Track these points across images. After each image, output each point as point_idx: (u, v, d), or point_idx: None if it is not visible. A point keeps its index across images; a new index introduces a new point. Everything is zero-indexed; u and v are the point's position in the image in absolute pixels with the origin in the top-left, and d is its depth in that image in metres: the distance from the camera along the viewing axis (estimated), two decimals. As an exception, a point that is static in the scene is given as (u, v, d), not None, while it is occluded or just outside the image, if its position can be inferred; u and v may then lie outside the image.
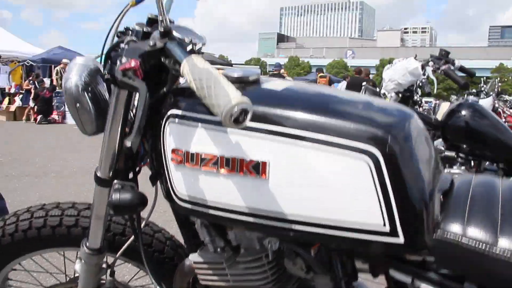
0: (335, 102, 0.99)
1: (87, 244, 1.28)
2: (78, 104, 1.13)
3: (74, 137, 8.67)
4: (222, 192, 0.94)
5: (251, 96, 0.84)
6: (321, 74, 12.18)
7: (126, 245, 1.29)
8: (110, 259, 1.37)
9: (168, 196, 1.04)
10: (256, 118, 0.88)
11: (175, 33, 0.98)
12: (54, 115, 11.94)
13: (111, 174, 1.12)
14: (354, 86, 10.34)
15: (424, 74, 2.45)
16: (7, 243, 1.36)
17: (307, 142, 0.87)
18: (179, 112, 0.99)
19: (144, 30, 1.07)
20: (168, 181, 1.02)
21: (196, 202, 0.98)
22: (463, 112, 2.33)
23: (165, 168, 1.02)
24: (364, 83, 9.97)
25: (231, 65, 1.65)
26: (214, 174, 0.93)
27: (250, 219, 0.93)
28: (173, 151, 0.98)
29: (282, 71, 11.14)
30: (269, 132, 0.89)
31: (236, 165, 0.92)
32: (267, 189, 0.89)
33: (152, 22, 1.10)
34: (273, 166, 0.89)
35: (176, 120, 0.99)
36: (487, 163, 2.42)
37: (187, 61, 0.86)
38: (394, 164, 0.85)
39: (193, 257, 1.15)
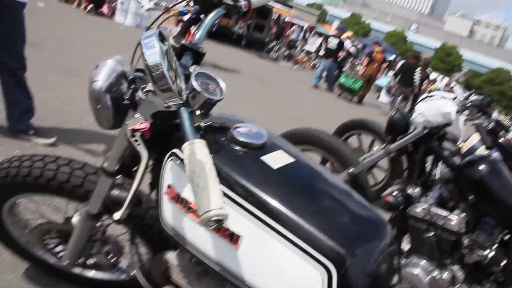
0: (318, 204, 1.04)
1: (87, 208, 1.42)
2: (99, 105, 1.25)
3: (118, 37, 8.64)
4: (200, 240, 1.05)
5: (246, 166, 1.05)
6: (378, 48, 11.72)
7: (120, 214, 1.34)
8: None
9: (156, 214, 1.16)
10: (245, 195, 1.00)
11: (194, 84, 1.08)
12: (104, 8, 11.85)
13: (116, 168, 1.27)
14: (406, 71, 10.05)
15: (453, 122, 2.44)
16: (19, 182, 1.51)
17: (279, 236, 0.95)
18: (180, 154, 1.07)
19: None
20: (159, 206, 1.13)
21: (177, 234, 1.10)
22: (482, 167, 2.24)
23: (159, 195, 1.13)
24: (417, 70, 9.63)
25: (290, 6, 1.65)
26: (196, 224, 1.04)
27: (217, 269, 1.05)
28: (169, 186, 1.09)
29: (345, 36, 10.91)
30: (250, 213, 0.98)
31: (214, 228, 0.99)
32: (235, 255, 1.00)
33: (184, 49, 1.21)
34: (245, 242, 0.99)
35: (177, 161, 1.09)
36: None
37: (189, 145, 0.91)
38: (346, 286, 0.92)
39: (170, 256, 1.25)
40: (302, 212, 0.97)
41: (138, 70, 1.22)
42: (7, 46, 2.83)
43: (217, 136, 1.12)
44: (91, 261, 1.68)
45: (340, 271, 0.91)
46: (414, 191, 2.38)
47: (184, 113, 0.98)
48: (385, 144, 2.81)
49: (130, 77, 1.17)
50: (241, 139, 1.08)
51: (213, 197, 0.82)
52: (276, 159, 1.09)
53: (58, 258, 1.77)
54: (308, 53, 16.23)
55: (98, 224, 1.54)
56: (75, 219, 1.55)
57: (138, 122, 1.03)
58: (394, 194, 2.42)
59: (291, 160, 1.11)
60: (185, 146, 0.91)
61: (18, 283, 1.93)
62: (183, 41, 1.22)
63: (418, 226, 2.33)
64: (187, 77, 1.12)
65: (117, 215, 1.09)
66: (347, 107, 9.31)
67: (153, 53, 0.87)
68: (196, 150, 0.89)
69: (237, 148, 1.08)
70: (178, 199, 1.07)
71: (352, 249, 0.95)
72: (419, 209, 2.33)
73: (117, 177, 1.29)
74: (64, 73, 4.91)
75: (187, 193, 1.06)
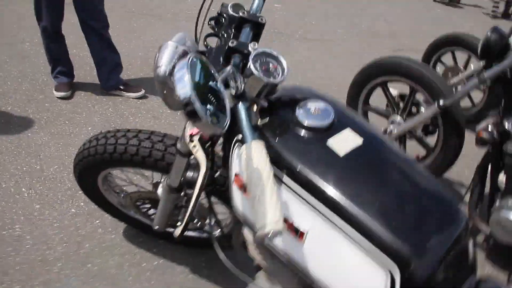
0: (385, 197, 0.98)
1: (168, 182, 1.50)
2: (165, 90, 1.17)
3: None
4: None
5: (311, 154, 1.01)
6: None
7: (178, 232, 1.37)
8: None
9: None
10: (308, 188, 0.98)
11: (252, 68, 1.01)
12: None
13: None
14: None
15: None
16: (107, 158, 1.64)
17: (344, 233, 0.93)
18: None
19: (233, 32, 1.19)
20: (229, 192, 1.14)
21: (246, 221, 1.12)
22: None
23: (229, 182, 1.14)
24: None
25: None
26: None
27: (284, 259, 1.06)
28: (236, 175, 1.09)
29: None
30: (314, 208, 0.97)
31: None
32: (300, 249, 1.00)
33: (243, 21, 1.18)
34: (310, 237, 0.98)
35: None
36: None
37: (246, 148, 0.90)
38: None
39: (246, 232, 1.26)
40: (367, 208, 0.93)
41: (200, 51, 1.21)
42: (86, 7, 2.92)
43: (280, 119, 1.09)
44: (179, 223, 1.80)
45: (405, 273, 0.88)
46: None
47: (241, 110, 0.96)
48: (479, 70, 2.54)
49: None
50: (306, 122, 1.04)
51: (270, 210, 0.80)
52: (344, 142, 1.04)
53: (151, 220, 1.91)
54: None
55: (182, 193, 1.61)
56: (159, 190, 1.65)
57: (193, 128, 1.02)
58: (489, 128, 2.23)
59: (359, 141, 1.05)
60: (243, 149, 0.90)
61: (120, 242, 2.14)
62: (241, 13, 1.16)
63: (515, 164, 2.15)
64: (245, 57, 1.08)
65: (176, 232, 1.12)
66: (444, 13, 8.49)
67: (184, 87, 0.82)
68: (253, 154, 0.87)
69: (302, 132, 1.05)
70: (245, 188, 1.07)
71: (419, 249, 0.91)
72: (517, 145, 2.14)
73: (191, 157, 1.32)
74: (146, 17, 4.98)
75: None
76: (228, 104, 0.90)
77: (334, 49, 4.94)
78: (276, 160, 1.01)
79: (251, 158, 0.87)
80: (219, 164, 1.41)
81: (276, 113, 1.12)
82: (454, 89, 3.34)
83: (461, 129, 2.50)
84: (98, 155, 1.61)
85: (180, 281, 2.02)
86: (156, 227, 1.69)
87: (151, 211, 1.97)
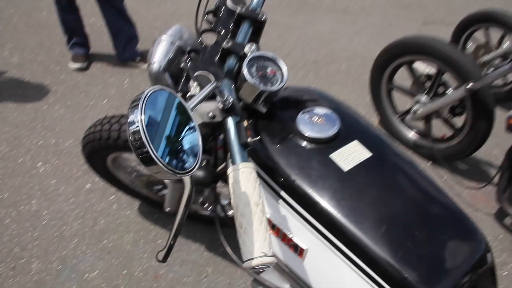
0: (391, 221, 0.88)
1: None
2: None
3: None
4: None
5: (312, 169, 0.92)
6: None
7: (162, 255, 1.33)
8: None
9: None
10: (308, 207, 0.91)
11: (246, 75, 0.95)
12: None
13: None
14: None
15: None
16: (111, 144, 1.58)
17: (343, 256, 0.87)
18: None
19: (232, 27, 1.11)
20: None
21: None
22: None
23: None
24: None
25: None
26: None
27: (286, 270, 1.02)
28: None
29: None
30: (314, 227, 0.91)
31: (280, 234, 0.98)
32: (300, 265, 0.96)
33: (241, 18, 1.09)
34: (310, 255, 0.94)
35: None
36: None
37: (233, 171, 0.82)
38: None
39: None
40: (371, 233, 0.85)
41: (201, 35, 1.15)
42: None
43: (280, 127, 1.01)
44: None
45: None
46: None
47: (230, 127, 0.89)
48: (503, 59, 2.40)
49: (181, 64, 1.08)
50: (307, 133, 0.96)
51: (257, 241, 0.74)
52: (349, 155, 0.95)
53: (163, 200, 1.89)
54: None
55: None
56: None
57: None
58: (521, 114, 2.13)
59: (367, 155, 0.96)
60: (229, 171, 0.82)
61: (135, 218, 2.12)
62: (239, 9, 1.07)
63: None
64: (242, 59, 1.00)
65: (160, 256, 1.06)
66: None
67: (134, 127, 0.64)
68: (240, 177, 0.79)
69: (303, 143, 0.97)
70: None
71: (429, 281, 0.82)
72: (550, 131, 2.03)
73: None
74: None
75: None
76: (200, 146, 0.74)
77: (361, 21, 4.76)
78: (273, 173, 0.94)
79: (238, 181, 0.79)
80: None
81: (276, 119, 1.03)
82: (485, 68, 3.19)
83: (490, 112, 2.39)
84: (102, 140, 1.56)
85: (194, 258, 2.00)
86: (168, 209, 1.66)
87: (163, 192, 1.93)
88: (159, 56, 1.16)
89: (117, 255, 1.99)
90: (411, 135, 2.84)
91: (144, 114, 0.64)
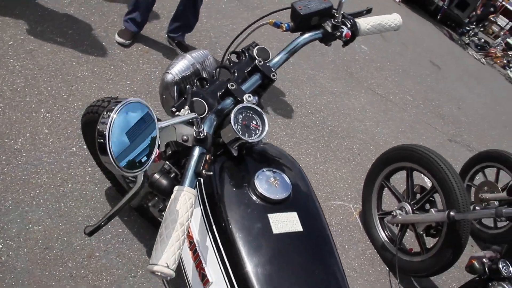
0: None
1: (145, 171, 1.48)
2: (165, 95, 1.28)
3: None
4: (185, 257, 1.12)
5: (246, 219, 1.01)
6: None
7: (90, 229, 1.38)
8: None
9: None
10: (227, 247, 1.00)
11: (231, 120, 1.06)
12: None
13: (168, 153, 1.25)
14: None
15: None
16: None
17: None
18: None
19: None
20: None
21: None
22: None
23: None
24: None
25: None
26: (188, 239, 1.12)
27: None
28: None
29: None
30: (225, 268, 0.99)
31: (197, 260, 1.06)
32: None
33: (256, 69, 1.22)
34: None
35: None
36: None
37: (177, 191, 0.91)
38: None
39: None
40: None
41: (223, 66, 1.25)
42: None
43: (240, 174, 1.11)
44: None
45: None
46: (506, 268, 2.10)
47: (194, 155, 0.98)
48: (499, 204, 2.46)
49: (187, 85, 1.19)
50: (259, 189, 1.06)
51: (167, 253, 0.82)
52: (284, 222, 1.04)
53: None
54: (508, 47, 14.24)
55: None
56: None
57: None
58: (483, 260, 2.17)
59: (298, 229, 1.05)
60: (175, 189, 0.91)
61: (99, 197, 2.22)
62: (257, 61, 1.19)
63: (494, 306, 2.07)
64: (237, 104, 1.11)
65: (87, 229, 1.14)
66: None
67: (104, 122, 0.78)
68: (180, 198, 0.89)
69: (252, 195, 1.06)
70: None
71: None
72: (502, 290, 2.07)
73: (166, 162, 1.35)
74: (242, 4, 5.03)
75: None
76: (150, 159, 0.86)
77: (394, 112, 4.86)
78: (215, 208, 1.04)
79: (177, 199, 0.89)
80: None
81: (242, 165, 1.13)
82: (478, 206, 3.25)
83: (461, 246, 2.43)
84: (98, 116, 1.66)
85: (132, 256, 2.07)
86: (132, 204, 1.74)
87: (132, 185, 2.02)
88: (176, 70, 1.27)
89: (66, 221, 2.06)
90: (382, 235, 2.88)
91: (117, 114, 0.78)
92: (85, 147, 2.39)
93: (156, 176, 1.34)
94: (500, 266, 2.09)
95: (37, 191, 2.11)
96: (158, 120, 0.90)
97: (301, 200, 1.13)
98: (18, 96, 2.49)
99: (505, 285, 2.09)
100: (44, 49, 2.87)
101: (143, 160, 0.84)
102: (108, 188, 2.27)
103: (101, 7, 3.54)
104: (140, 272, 2.03)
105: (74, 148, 2.39)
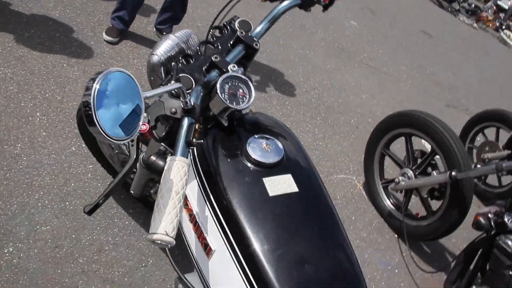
0: (289, 249, 0.99)
1: (143, 157, 1.52)
2: (153, 77, 1.29)
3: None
4: (187, 233, 1.13)
5: (243, 185, 1.04)
6: None
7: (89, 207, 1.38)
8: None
9: None
10: (226, 214, 1.01)
11: (218, 90, 1.07)
12: None
13: (162, 135, 1.26)
14: None
15: None
16: None
17: (240, 267, 0.97)
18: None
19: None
20: None
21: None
22: None
23: None
24: None
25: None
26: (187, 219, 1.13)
27: (193, 262, 1.13)
28: None
29: None
30: (225, 234, 1.01)
31: (198, 231, 1.08)
32: (205, 264, 1.05)
33: (239, 41, 1.22)
34: (215, 257, 1.03)
35: None
36: None
37: (170, 161, 0.93)
38: None
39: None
40: (268, 253, 0.96)
41: (202, 43, 1.26)
42: None
43: (232, 142, 1.12)
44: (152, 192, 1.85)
45: None
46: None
47: (183, 125, 0.99)
48: (499, 159, 2.47)
49: (173, 63, 1.20)
50: (252, 154, 1.07)
51: (165, 221, 0.84)
52: (279, 185, 1.05)
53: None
54: (499, 10, 14.11)
55: None
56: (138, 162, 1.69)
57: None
58: (488, 216, 2.18)
59: (294, 189, 1.07)
60: (168, 160, 0.93)
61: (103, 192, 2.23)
62: (239, 32, 1.20)
63: (502, 260, 2.09)
64: (223, 74, 1.12)
65: (86, 208, 1.16)
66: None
67: (88, 93, 0.80)
68: (173, 167, 0.90)
69: (245, 162, 1.08)
70: None
71: None
72: (510, 242, 2.09)
73: (161, 144, 1.36)
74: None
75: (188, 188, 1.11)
76: (139, 123, 0.88)
77: (388, 84, 4.86)
78: (210, 177, 1.05)
79: (170, 169, 0.91)
80: None
81: (233, 134, 1.15)
82: (479, 164, 3.26)
83: (466, 205, 2.44)
84: None
85: (141, 246, 2.09)
86: (132, 192, 1.75)
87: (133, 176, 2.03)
88: (161, 50, 1.29)
89: (73, 219, 2.08)
90: (388, 203, 2.90)
91: (100, 85, 0.80)
92: (84, 145, 2.40)
93: (153, 158, 1.36)
94: (506, 219, 2.10)
95: (41, 192, 2.13)
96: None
97: (294, 162, 1.15)
98: (13, 103, 2.50)
99: (512, 238, 2.10)
100: (33, 54, 2.87)
101: (130, 127, 0.86)
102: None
103: (86, 7, 3.53)
104: (151, 261, 2.05)
105: (73, 148, 2.40)
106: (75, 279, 1.89)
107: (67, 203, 2.14)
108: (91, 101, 0.78)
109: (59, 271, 1.89)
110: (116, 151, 2.01)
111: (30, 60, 2.82)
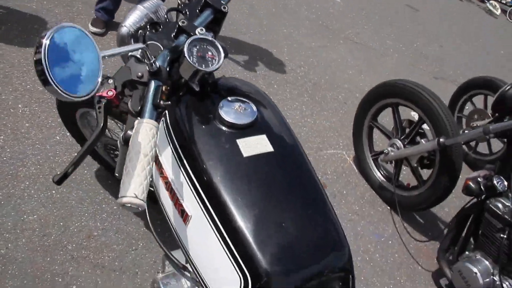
0: (266, 209, 0.98)
1: (122, 135, 1.47)
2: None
3: None
4: (165, 202, 1.12)
5: (216, 147, 1.02)
6: None
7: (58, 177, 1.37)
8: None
9: None
10: (200, 178, 1.00)
11: (186, 54, 1.04)
12: None
13: (138, 109, 1.19)
14: None
15: None
16: None
17: (216, 230, 0.96)
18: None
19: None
20: None
21: (154, 187, 1.19)
22: None
23: None
24: None
25: None
26: (163, 187, 1.12)
27: (173, 231, 1.11)
28: None
29: None
30: (201, 198, 0.99)
31: (174, 198, 1.06)
32: (183, 230, 1.04)
33: (207, 5, 1.22)
34: (191, 223, 1.01)
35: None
36: None
37: (137, 124, 0.92)
38: None
39: None
40: (244, 215, 0.94)
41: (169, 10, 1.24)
42: None
43: (204, 106, 1.11)
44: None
45: (256, 285, 0.90)
46: (501, 183, 2.11)
47: (150, 88, 0.98)
48: (487, 122, 2.46)
49: (142, 32, 1.18)
50: (225, 116, 1.06)
51: (134, 184, 0.82)
52: (254, 145, 1.04)
53: (116, 167, 1.97)
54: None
55: None
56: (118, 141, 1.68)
57: (107, 88, 1.02)
58: (478, 180, 2.18)
59: (269, 149, 1.05)
60: (135, 123, 0.91)
61: (89, 178, 2.22)
62: None
63: (494, 223, 2.10)
64: (190, 36, 1.10)
65: (55, 178, 1.13)
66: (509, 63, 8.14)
67: (39, 50, 0.76)
68: (141, 130, 0.89)
69: (218, 124, 1.06)
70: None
71: (278, 269, 0.91)
72: (500, 204, 2.09)
73: (138, 118, 1.34)
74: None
75: (160, 152, 1.12)
76: (98, 79, 0.85)
77: (374, 59, 4.83)
78: (183, 141, 1.04)
79: (138, 132, 0.89)
80: None
81: (205, 98, 1.14)
82: (467, 130, 3.26)
83: (455, 171, 2.44)
84: None
85: (130, 230, 2.08)
86: (117, 175, 1.74)
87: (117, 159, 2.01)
88: (130, 22, 1.26)
89: (60, 207, 2.06)
90: (378, 175, 2.89)
91: (50, 40, 0.76)
92: (68, 134, 2.37)
93: (130, 132, 1.33)
94: (495, 182, 2.10)
95: (27, 183, 2.11)
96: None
97: (269, 122, 1.13)
98: (-7, 95, 2.46)
99: (502, 200, 2.10)
100: (12, 47, 2.82)
101: (88, 84, 0.83)
102: (97, 169, 2.27)
103: (63, -2, 3.48)
104: (141, 244, 2.04)
105: (57, 137, 2.37)
106: (65, 266, 1.87)
107: (54, 191, 2.12)
108: (42, 58, 0.75)
109: (48, 259, 1.87)
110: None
111: (8, 53, 2.77)
